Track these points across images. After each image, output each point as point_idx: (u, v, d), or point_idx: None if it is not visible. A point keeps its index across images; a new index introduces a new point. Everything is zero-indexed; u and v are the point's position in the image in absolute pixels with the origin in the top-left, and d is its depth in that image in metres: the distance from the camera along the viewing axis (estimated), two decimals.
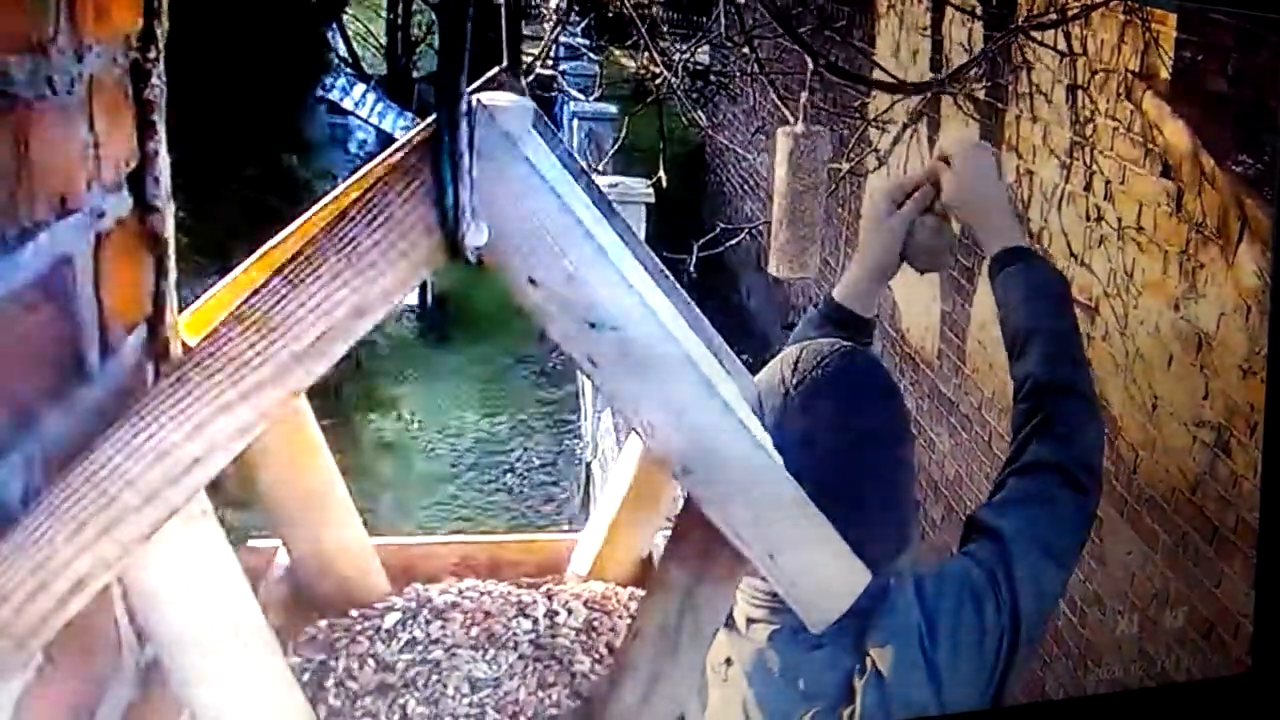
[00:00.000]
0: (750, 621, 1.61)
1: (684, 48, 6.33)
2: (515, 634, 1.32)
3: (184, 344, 1.09)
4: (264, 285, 0.85)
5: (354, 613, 1.32)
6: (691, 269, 5.78)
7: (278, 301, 0.84)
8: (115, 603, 0.96)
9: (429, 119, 0.86)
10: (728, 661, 1.61)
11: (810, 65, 3.69)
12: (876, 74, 6.03)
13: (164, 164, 1.05)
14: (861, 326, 1.94)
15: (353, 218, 0.85)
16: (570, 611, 1.38)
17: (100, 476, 0.82)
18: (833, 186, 5.48)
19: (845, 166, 5.82)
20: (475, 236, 0.85)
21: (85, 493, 0.82)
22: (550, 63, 6.79)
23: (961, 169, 1.90)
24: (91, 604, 0.84)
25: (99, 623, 0.95)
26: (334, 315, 0.85)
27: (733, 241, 7.10)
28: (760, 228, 9.39)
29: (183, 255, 1.11)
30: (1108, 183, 4.72)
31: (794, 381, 1.58)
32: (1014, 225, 1.94)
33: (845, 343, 1.69)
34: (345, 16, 12.95)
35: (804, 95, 2.82)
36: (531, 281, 0.88)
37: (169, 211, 1.06)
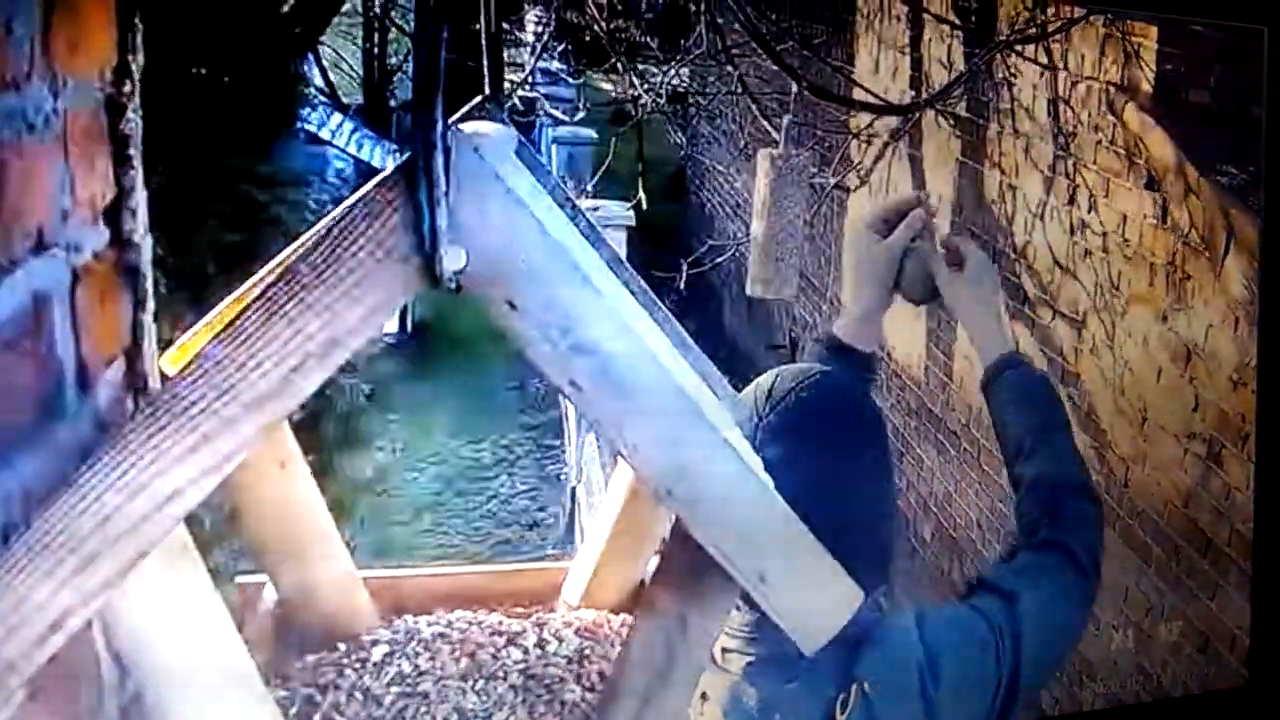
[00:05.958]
0: (725, 651, 1.59)
1: (662, 70, 6.33)
2: (505, 664, 1.31)
3: (163, 377, 1.08)
4: (240, 316, 0.84)
5: (341, 646, 1.31)
6: (681, 287, 5.78)
7: (254, 333, 0.83)
8: (96, 638, 0.95)
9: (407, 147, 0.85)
10: (704, 696, 1.58)
11: (794, 87, 3.70)
12: (857, 93, 6.03)
13: (140, 197, 1.04)
14: (864, 361, 1.93)
15: (328, 246, 0.84)
16: (561, 640, 1.37)
17: (78, 512, 0.81)
18: (817, 204, 5.48)
19: (831, 182, 5.83)
20: (453, 261, 0.84)
21: (63, 528, 0.81)
22: (529, 87, 6.80)
23: (966, 275, 1.90)
24: (73, 640, 0.83)
25: (80, 659, 0.93)
26: (310, 345, 0.84)
27: (716, 262, 7.10)
28: (744, 248, 9.41)
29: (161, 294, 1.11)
30: (1092, 196, 4.73)
31: (767, 408, 1.57)
32: (1006, 333, 1.95)
33: (823, 367, 1.68)
34: (321, 46, 12.92)
35: (786, 118, 2.82)
36: (511, 305, 0.87)
37: (146, 245, 1.05)
